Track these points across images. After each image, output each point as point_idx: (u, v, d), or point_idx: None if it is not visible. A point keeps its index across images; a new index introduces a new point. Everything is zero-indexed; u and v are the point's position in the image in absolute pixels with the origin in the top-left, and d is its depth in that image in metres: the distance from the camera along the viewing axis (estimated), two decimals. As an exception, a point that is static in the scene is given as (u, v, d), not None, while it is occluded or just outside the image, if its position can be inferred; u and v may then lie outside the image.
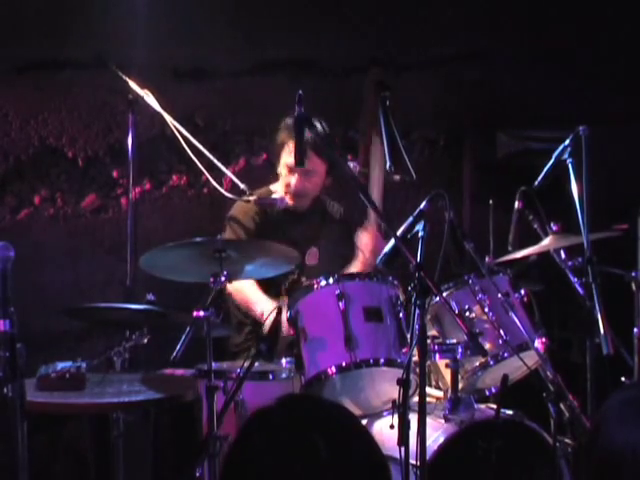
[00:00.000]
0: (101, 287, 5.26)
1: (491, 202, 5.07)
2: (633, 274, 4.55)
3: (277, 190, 4.74)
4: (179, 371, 4.14)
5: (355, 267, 4.69)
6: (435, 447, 3.80)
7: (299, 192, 4.67)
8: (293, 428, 2.02)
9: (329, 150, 4.49)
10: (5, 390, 2.82)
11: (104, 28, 5.11)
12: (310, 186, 4.69)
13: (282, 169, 4.67)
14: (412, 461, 3.49)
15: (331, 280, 4.02)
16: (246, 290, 4.57)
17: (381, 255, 3.98)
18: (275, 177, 4.80)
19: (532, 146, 5.78)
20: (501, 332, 4.02)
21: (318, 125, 4.40)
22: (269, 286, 4.56)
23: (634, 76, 5.92)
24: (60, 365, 3.75)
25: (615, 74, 5.98)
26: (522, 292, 4.20)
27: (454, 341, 4.00)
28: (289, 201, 4.65)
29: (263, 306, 4.49)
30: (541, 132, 5.71)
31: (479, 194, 5.80)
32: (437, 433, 3.86)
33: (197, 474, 3.68)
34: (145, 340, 3.97)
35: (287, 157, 4.60)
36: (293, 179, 4.63)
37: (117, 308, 4.09)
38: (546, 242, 4.40)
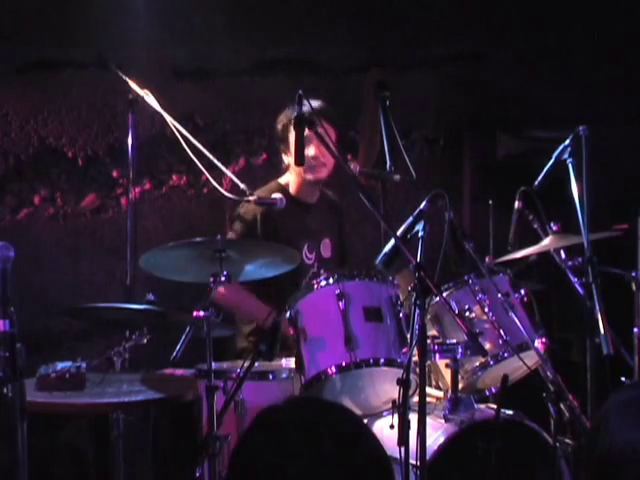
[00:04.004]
0: (101, 287, 5.26)
1: (491, 202, 5.07)
2: (633, 274, 4.54)
3: (289, 181, 4.77)
4: (179, 371, 4.14)
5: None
6: (435, 447, 3.79)
7: (320, 160, 4.65)
8: (299, 427, 2.03)
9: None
10: (5, 390, 2.82)
11: (104, 28, 5.11)
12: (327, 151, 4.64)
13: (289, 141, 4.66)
14: (412, 461, 3.49)
15: (331, 280, 4.02)
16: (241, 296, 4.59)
17: (381, 255, 3.98)
18: (276, 174, 4.81)
19: (532, 146, 5.78)
20: (501, 332, 4.02)
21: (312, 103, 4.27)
22: (288, 281, 4.50)
23: (634, 76, 5.92)
24: (60, 365, 3.75)
25: (615, 74, 5.98)
26: (522, 292, 4.19)
27: (454, 341, 4.00)
28: (312, 176, 4.67)
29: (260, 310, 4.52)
30: (541, 132, 5.71)
31: (479, 194, 5.81)
32: (437, 433, 3.86)
33: (197, 474, 3.67)
34: (145, 340, 3.96)
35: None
36: (311, 150, 4.61)
37: (117, 308, 4.08)
38: (546, 242, 4.40)
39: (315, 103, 4.28)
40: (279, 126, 4.73)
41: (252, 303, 4.66)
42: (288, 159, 4.74)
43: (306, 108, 3.78)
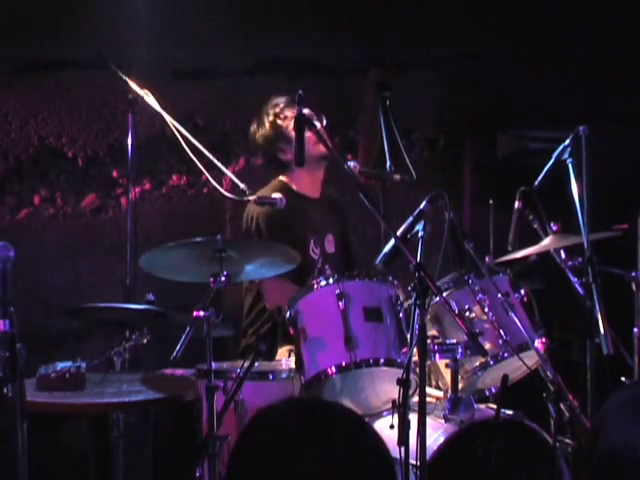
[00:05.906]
0: (101, 287, 5.26)
1: (491, 202, 5.07)
2: (633, 274, 4.54)
3: (292, 177, 4.75)
4: (179, 371, 4.14)
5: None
6: (435, 447, 3.79)
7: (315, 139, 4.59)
8: (295, 427, 2.04)
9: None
10: (5, 390, 2.83)
11: (104, 28, 5.12)
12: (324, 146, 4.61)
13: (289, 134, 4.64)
14: (412, 461, 3.49)
15: (331, 280, 4.02)
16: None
17: (381, 255, 3.99)
18: (277, 174, 4.81)
19: (532, 146, 5.79)
20: (501, 332, 4.02)
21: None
22: (294, 277, 4.44)
23: (634, 76, 5.92)
24: (60, 365, 3.75)
25: (615, 74, 5.98)
26: (522, 292, 4.19)
27: (454, 341, 4.00)
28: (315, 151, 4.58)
29: None
30: (541, 132, 5.71)
31: (479, 194, 5.81)
32: (437, 433, 3.86)
33: (197, 474, 3.67)
34: (145, 340, 3.97)
35: (289, 113, 4.61)
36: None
37: (117, 308, 4.09)
38: (546, 242, 4.40)
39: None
40: (281, 122, 4.70)
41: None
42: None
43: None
